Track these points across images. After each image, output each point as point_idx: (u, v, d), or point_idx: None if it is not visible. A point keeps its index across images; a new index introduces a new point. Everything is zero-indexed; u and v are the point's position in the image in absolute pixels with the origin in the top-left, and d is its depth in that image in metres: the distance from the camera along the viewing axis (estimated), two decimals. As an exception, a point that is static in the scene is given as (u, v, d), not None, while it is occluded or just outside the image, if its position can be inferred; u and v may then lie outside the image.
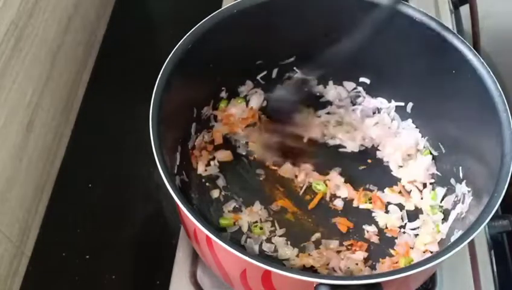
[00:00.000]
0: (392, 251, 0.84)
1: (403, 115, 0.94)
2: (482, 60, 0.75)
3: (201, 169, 0.90)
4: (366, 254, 0.83)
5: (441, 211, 0.85)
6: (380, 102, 0.95)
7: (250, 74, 0.94)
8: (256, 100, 0.94)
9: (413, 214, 0.87)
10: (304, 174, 0.90)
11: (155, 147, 0.68)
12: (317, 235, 0.84)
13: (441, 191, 0.87)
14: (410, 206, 0.88)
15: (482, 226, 0.64)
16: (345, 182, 0.89)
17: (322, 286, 0.59)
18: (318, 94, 0.97)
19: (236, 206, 0.87)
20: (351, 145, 0.93)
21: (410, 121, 0.93)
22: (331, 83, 0.96)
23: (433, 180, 0.89)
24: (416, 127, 0.93)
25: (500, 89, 0.73)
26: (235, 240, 0.84)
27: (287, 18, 0.85)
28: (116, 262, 0.88)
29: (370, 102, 0.96)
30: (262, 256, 0.82)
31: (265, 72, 0.94)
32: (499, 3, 1.19)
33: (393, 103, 0.94)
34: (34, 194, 0.90)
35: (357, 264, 0.81)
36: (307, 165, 0.90)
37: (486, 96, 0.74)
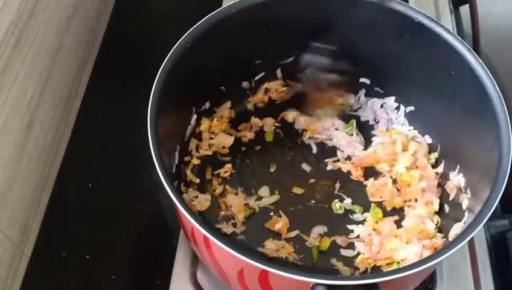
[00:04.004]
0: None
1: (400, 115, 0.94)
2: (480, 61, 0.75)
3: (199, 169, 0.90)
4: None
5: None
6: (379, 103, 0.96)
7: (249, 73, 0.94)
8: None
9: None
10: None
11: (153, 146, 0.68)
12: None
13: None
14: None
15: (480, 226, 0.64)
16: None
17: (319, 286, 0.59)
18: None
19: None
20: (348, 151, 0.93)
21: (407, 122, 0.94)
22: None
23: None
24: (414, 129, 0.93)
25: (499, 90, 0.73)
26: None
27: (286, 17, 0.85)
28: (116, 262, 0.88)
29: (368, 104, 0.96)
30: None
31: (263, 73, 0.94)
32: (499, 3, 1.19)
33: (392, 104, 0.95)
34: (34, 194, 0.90)
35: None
36: None
37: (484, 97, 0.74)
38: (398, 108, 0.94)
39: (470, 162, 0.81)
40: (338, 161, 0.92)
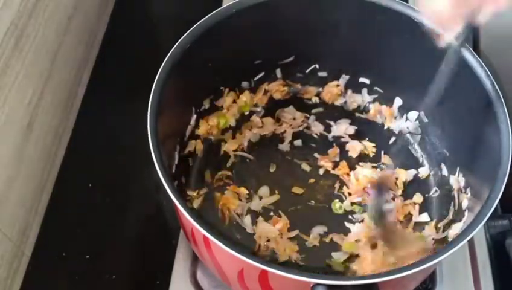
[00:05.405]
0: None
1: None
2: (480, 61, 0.75)
3: (199, 168, 0.90)
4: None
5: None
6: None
7: (249, 73, 0.94)
8: None
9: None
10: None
11: (153, 146, 0.68)
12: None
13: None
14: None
15: (480, 226, 0.64)
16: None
17: (319, 286, 0.59)
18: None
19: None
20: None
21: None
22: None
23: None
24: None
25: (499, 90, 0.73)
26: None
27: (285, 18, 0.85)
28: (116, 262, 0.88)
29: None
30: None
31: (263, 73, 0.94)
32: (499, 3, 1.18)
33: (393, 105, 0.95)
34: (34, 194, 0.90)
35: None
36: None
37: (484, 97, 0.74)
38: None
39: (470, 162, 0.81)
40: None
